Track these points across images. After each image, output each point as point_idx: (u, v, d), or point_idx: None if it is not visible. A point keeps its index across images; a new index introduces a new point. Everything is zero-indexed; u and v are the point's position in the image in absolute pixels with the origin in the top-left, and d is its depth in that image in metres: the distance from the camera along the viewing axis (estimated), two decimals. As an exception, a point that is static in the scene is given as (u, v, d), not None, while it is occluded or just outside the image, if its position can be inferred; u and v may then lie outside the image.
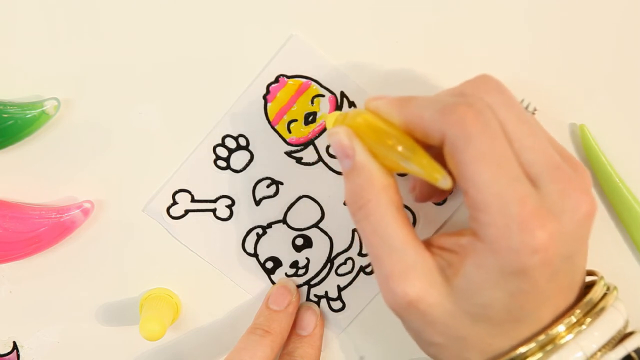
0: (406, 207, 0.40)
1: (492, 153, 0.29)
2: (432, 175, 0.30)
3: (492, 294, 0.30)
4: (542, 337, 0.30)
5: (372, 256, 0.32)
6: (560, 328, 0.30)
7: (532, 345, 0.30)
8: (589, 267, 0.33)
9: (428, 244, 0.32)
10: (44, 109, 0.37)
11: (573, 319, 0.31)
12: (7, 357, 0.42)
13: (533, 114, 0.32)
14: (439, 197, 0.38)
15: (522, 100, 0.32)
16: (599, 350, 0.30)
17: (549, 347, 0.30)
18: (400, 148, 0.31)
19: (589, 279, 0.33)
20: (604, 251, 0.40)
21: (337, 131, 0.33)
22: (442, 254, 0.31)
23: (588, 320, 0.31)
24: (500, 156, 0.29)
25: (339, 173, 0.40)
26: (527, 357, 0.30)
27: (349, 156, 0.32)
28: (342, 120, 0.34)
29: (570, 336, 0.30)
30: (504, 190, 0.29)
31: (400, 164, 0.31)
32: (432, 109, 0.30)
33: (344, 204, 0.40)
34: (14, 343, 0.42)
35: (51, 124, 0.38)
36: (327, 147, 0.39)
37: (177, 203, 0.40)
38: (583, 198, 0.30)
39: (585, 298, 0.31)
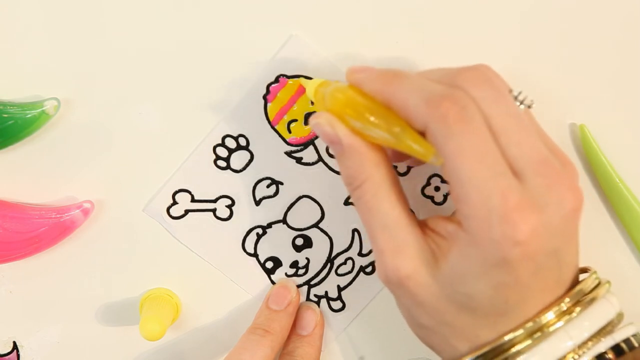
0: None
1: (473, 149, 0.29)
2: (420, 153, 0.29)
3: (475, 285, 0.30)
4: (529, 325, 0.30)
5: (368, 233, 0.32)
6: (549, 315, 0.30)
7: (520, 332, 0.30)
8: (587, 265, 0.33)
9: (423, 224, 0.32)
10: (44, 109, 0.37)
11: (563, 307, 0.30)
12: (7, 357, 0.42)
13: (529, 107, 0.32)
14: (416, 162, 0.38)
15: (520, 93, 0.32)
16: (589, 340, 0.30)
17: (537, 335, 0.30)
18: (385, 126, 0.30)
19: (582, 276, 0.33)
20: (604, 251, 0.40)
21: (318, 122, 0.32)
22: (434, 236, 0.31)
23: (578, 309, 0.30)
24: (481, 151, 0.29)
25: (339, 173, 0.39)
26: (515, 344, 0.30)
27: (336, 142, 0.32)
28: (322, 97, 0.33)
29: (560, 323, 0.30)
30: (485, 183, 0.28)
31: (387, 141, 0.31)
32: (418, 98, 0.30)
33: (344, 204, 0.40)
34: (14, 343, 0.42)
35: (51, 124, 0.38)
36: (327, 147, 0.39)
37: (177, 203, 0.40)
38: (568, 193, 0.30)
39: (575, 288, 0.31)
